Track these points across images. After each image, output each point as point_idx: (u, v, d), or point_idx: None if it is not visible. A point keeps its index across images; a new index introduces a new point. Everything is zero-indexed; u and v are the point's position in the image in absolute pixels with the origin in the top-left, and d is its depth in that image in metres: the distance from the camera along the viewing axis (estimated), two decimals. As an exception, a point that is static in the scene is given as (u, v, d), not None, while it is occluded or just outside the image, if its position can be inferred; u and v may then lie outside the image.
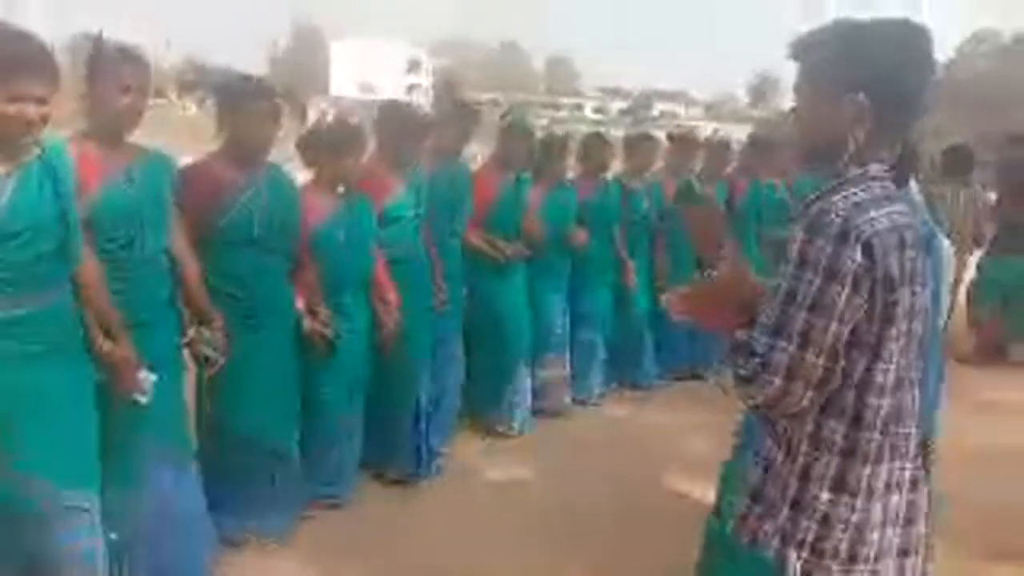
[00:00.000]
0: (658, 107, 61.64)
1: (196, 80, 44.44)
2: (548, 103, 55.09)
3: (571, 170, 4.85)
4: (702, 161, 5.46)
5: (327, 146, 3.26)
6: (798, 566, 1.52)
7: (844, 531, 1.52)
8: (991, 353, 6.23)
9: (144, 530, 2.62)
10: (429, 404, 3.83)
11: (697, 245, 2.03)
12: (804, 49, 1.59)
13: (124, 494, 2.52)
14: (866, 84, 1.49)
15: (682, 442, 4.35)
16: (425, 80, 59.21)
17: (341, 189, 3.34)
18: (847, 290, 1.43)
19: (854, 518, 1.52)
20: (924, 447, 2.49)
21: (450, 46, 66.84)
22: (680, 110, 61.09)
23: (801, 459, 1.54)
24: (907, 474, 1.58)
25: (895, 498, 1.56)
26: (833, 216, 1.44)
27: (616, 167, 5.21)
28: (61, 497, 2.24)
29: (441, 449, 3.99)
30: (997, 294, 6.28)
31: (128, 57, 2.50)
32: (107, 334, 2.38)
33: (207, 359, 2.79)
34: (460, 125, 4.04)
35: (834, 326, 1.43)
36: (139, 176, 2.55)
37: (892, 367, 1.50)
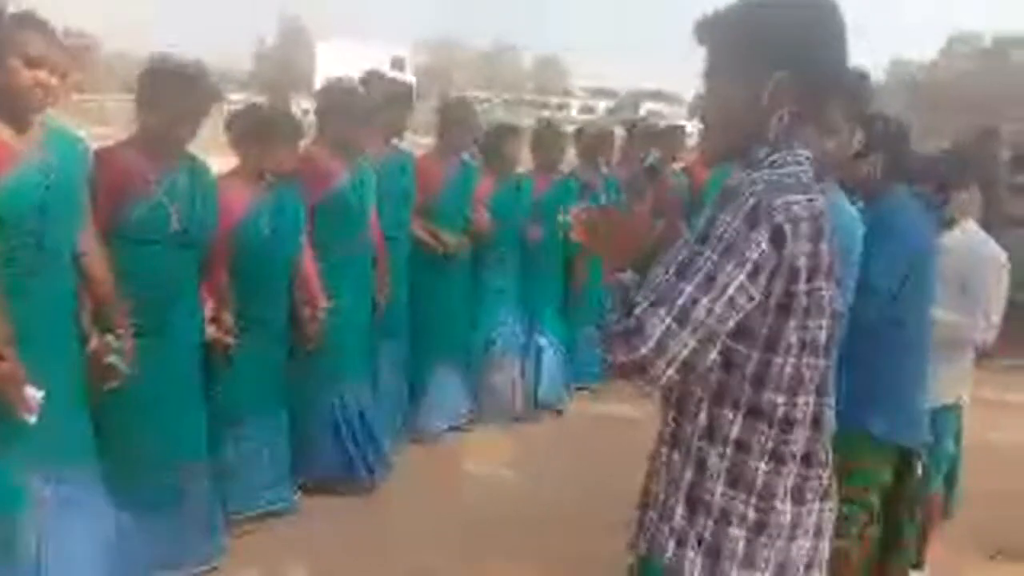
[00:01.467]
0: (645, 106, 61.67)
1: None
2: (537, 102, 54.97)
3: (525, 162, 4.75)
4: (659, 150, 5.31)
5: (254, 132, 3.11)
6: (696, 570, 1.41)
7: (741, 530, 1.41)
8: None
9: (39, 562, 2.31)
10: (361, 407, 3.63)
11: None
12: (714, 30, 1.46)
13: (9, 520, 2.25)
14: (786, 63, 1.39)
15: (641, 434, 4.25)
16: (409, 78, 59.02)
17: (270, 178, 3.15)
18: (743, 276, 1.31)
19: (752, 516, 1.41)
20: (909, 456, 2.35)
21: (438, 45, 66.53)
22: (665, 109, 61.26)
23: (695, 451, 1.45)
24: (821, 482, 1.47)
25: (804, 507, 1.44)
26: (747, 193, 1.34)
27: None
28: None
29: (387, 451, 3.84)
30: None
31: (34, 26, 2.22)
32: None
33: (111, 371, 2.46)
34: (398, 107, 3.89)
35: (718, 308, 1.31)
36: (52, 163, 2.29)
37: (791, 362, 1.39)
